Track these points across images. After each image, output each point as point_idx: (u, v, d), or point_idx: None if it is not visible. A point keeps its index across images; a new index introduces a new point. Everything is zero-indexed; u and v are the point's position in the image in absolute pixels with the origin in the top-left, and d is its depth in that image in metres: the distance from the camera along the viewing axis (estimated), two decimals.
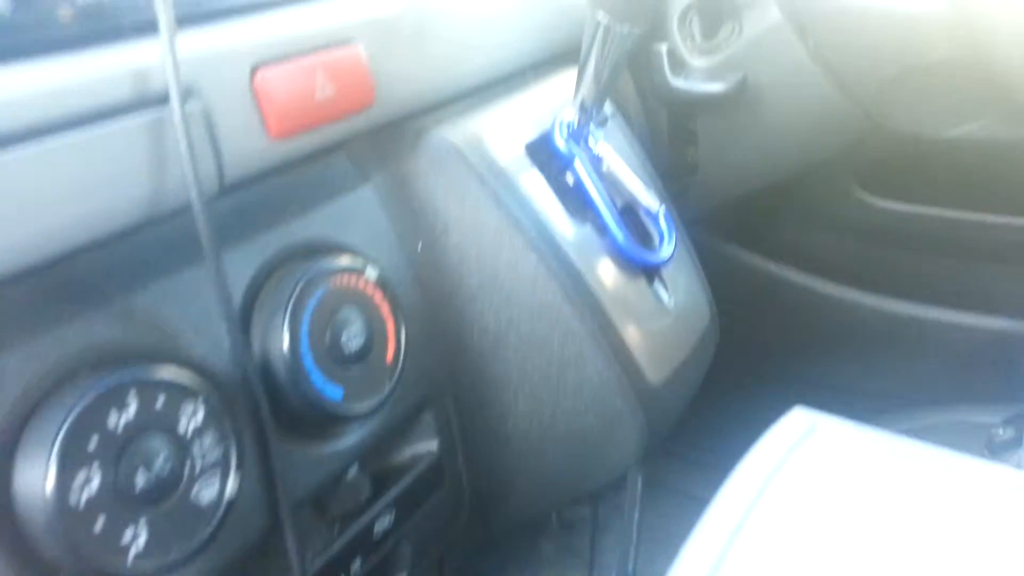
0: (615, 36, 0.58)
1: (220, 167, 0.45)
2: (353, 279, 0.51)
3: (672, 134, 1.02)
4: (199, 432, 0.42)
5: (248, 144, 0.47)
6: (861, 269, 1.18)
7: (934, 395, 1.03)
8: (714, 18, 0.90)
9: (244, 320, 0.48)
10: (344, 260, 0.52)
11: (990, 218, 1.06)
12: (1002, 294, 1.10)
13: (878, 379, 1.21)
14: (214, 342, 0.45)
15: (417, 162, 0.60)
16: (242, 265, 0.48)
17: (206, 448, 0.42)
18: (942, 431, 0.94)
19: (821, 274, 1.21)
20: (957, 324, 1.13)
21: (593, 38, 0.59)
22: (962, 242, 1.09)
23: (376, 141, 0.59)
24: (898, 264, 1.15)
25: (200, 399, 0.42)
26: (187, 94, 0.43)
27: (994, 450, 0.77)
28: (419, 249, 0.60)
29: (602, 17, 0.58)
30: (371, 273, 0.52)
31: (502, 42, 0.67)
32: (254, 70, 0.47)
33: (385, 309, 0.53)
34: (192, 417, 0.42)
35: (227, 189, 0.47)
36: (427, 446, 0.61)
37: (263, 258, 0.49)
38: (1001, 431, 0.77)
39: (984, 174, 1.02)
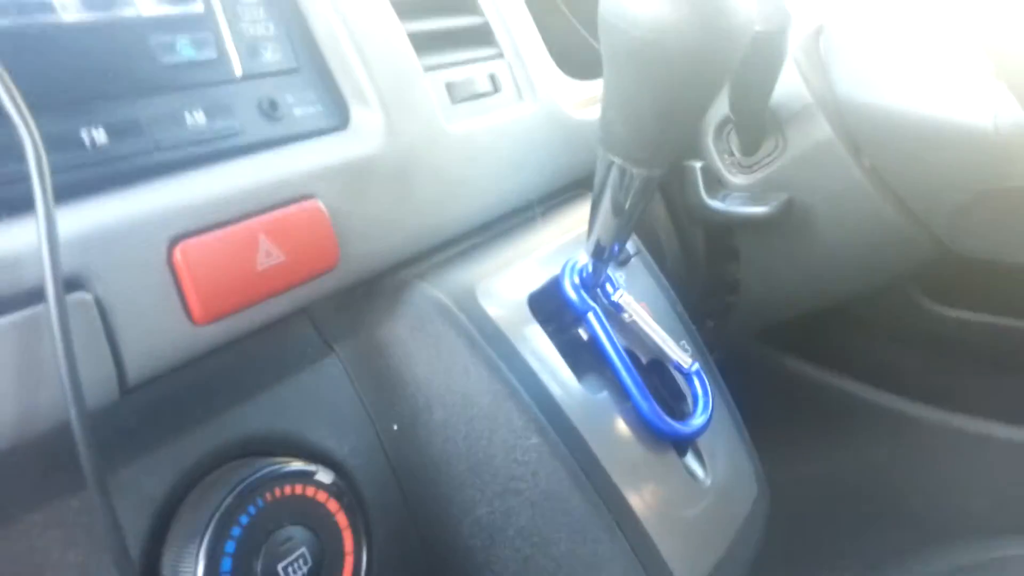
0: (634, 178, 0.49)
1: (120, 368, 0.36)
2: (299, 488, 0.41)
3: (709, 252, 0.92)
4: None
5: (162, 336, 0.38)
6: (930, 383, 1.10)
7: (1012, 524, 0.90)
8: (754, 133, 0.81)
9: (152, 556, 0.38)
10: (289, 464, 0.42)
11: None
12: None
13: (951, 503, 1.09)
14: None
15: (394, 325, 0.51)
16: (155, 479, 0.39)
17: None
18: (1010, 567, 0.83)
19: (886, 388, 1.11)
20: None
21: (607, 175, 0.50)
22: None
23: (344, 302, 0.49)
24: (970, 379, 1.06)
25: None
26: (72, 283, 0.34)
27: None
28: (395, 430, 0.50)
29: (615, 159, 0.48)
30: (323, 477, 0.42)
31: (500, 174, 0.58)
32: (172, 244, 0.38)
33: (342, 520, 0.43)
34: None
35: (133, 390, 0.37)
36: None
37: (183, 467, 0.40)
38: None
39: None
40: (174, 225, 0.38)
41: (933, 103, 0.69)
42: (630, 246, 0.66)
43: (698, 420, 0.58)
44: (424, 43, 0.56)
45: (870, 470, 1.15)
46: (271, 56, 0.47)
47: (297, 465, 0.42)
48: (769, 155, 0.82)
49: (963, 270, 0.92)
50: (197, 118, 0.42)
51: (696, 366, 0.60)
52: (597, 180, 0.50)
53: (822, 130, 0.77)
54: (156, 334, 0.37)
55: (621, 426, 0.56)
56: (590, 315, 0.57)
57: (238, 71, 0.45)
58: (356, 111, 0.50)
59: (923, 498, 1.12)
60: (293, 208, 0.43)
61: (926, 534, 1.00)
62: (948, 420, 1.08)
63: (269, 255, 0.41)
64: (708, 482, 0.59)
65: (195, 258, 0.38)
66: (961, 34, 0.69)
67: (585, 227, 0.53)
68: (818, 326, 1.07)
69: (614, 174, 0.48)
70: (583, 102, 0.69)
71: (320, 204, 0.44)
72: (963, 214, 0.72)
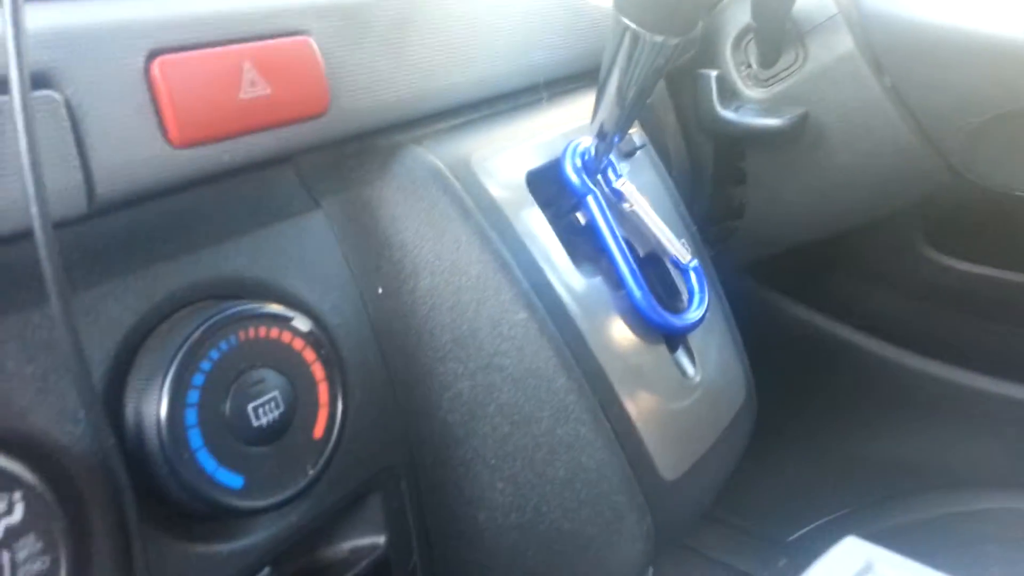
0: (645, 47, 0.46)
1: (89, 178, 0.34)
2: (274, 331, 0.40)
3: (717, 171, 0.90)
4: (14, 535, 0.31)
5: (135, 152, 0.36)
6: (924, 333, 1.08)
7: (995, 477, 0.91)
8: (774, 44, 0.77)
9: (116, 382, 0.36)
10: (265, 305, 0.40)
11: None
12: None
13: (937, 454, 1.09)
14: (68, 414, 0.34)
15: (386, 186, 0.49)
16: (122, 306, 0.37)
17: (25, 557, 0.31)
18: (1001, 519, 0.85)
19: (879, 335, 1.12)
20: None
21: (618, 48, 0.47)
22: None
23: (334, 157, 0.47)
24: (965, 331, 1.06)
25: (19, 493, 0.31)
26: (41, 80, 0.32)
27: None
28: (379, 293, 0.48)
29: (630, 24, 0.45)
30: (300, 324, 0.41)
31: (508, 49, 0.55)
32: (151, 56, 0.36)
33: (318, 371, 0.42)
34: (6, 517, 0.30)
35: (103, 209, 0.36)
36: (372, 539, 0.49)
37: (153, 299, 0.38)
38: None
39: None
40: (154, 36, 0.36)
41: (962, 15, 0.66)
42: (637, 138, 0.63)
43: (692, 315, 0.56)
44: None
45: (857, 417, 1.15)
46: None
47: (275, 308, 0.40)
48: (788, 68, 0.79)
49: (971, 219, 0.90)
50: None
51: (695, 262, 0.58)
52: (607, 52, 0.48)
53: (844, 44, 0.74)
54: (129, 148, 0.35)
55: (613, 313, 0.54)
56: (589, 198, 0.55)
57: None
58: None
59: (915, 449, 1.12)
60: (284, 41, 0.41)
61: (919, 482, 1.00)
62: (944, 373, 1.07)
63: (254, 84, 0.39)
64: (697, 379, 0.58)
65: (174, 75, 0.36)
66: None
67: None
68: (817, 270, 1.05)
69: (626, 43, 0.45)
70: None
71: (312, 42, 0.42)
72: (978, 138, 0.70)
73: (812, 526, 1.03)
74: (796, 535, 1.03)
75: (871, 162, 0.79)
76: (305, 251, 0.45)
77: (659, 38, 0.44)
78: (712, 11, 0.82)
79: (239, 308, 0.39)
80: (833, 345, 1.13)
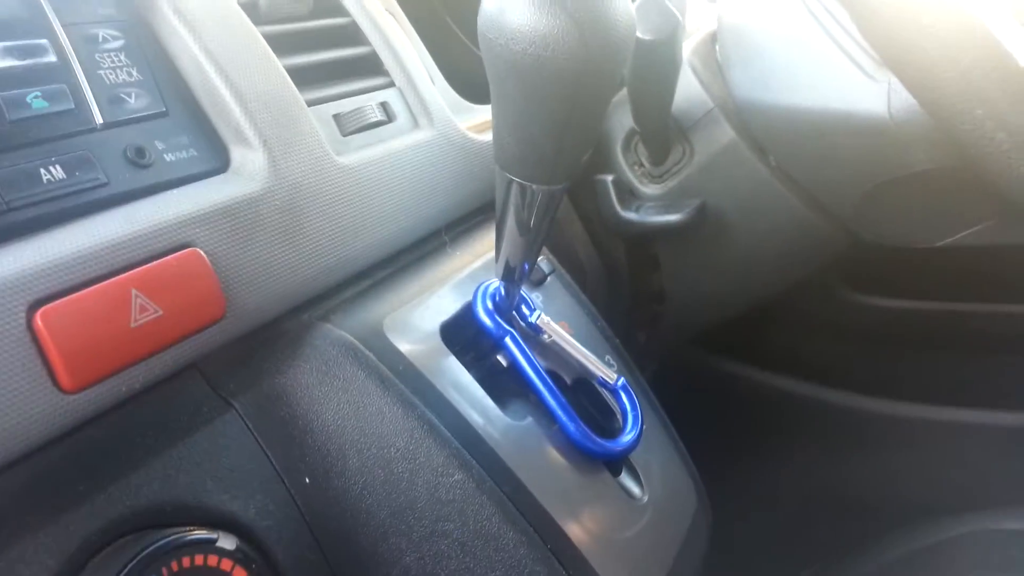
0: (534, 194, 0.47)
1: None
2: (199, 559, 0.38)
3: (631, 264, 0.92)
4: None
5: (26, 408, 0.35)
6: (860, 373, 1.12)
7: (961, 502, 0.92)
8: (660, 142, 0.81)
9: None
10: (186, 533, 0.38)
11: (994, 308, 0.97)
12: (1018, 386, 1.01)
13: (899, 487, 1.10)
14: None
15: (298, 372, 0.48)
16: (34, 568, 0.35)
17: None
18: (976, 544, 0.84)
19: (819, 381, 1.12)
20: (974, 423, 1.05)
21: (507, 195, 0.48)
22: (967, 335, 1.01)
23: (239, 351, 0.47)
24: (899, 364, 1.09)
25: None
26: None
27: None
28: (307, 483, 0.47)
29: (513, 178, 0.46)
30: (226, 544, 0.39)
31: (400, 206, 0.56)
32: (32, 309, 0.35)
33: None
34: None
35: (1, 470, 0.34)
36: None
37: (67, 551, 0.36)
38: None
39: (984, 268, 0.93)
40: (33, 289, 0.35)
41: (828, 97, 0.70)
42: (545, 265, 0.64)
43: (628, 436, 0.56)
44: (306, 77, 0.55)
45: (814, 465, 1.16)
46: (135, 102, 0.44)
47: (197, 534, 0.38)
48: (678, 163, 0.82)
49: (879, 259, 0.93)
50: (55, 173, 0.39)
51: (622, 380, 0.59)
52: (498, 200, 0.48)
53: (726, 134, 0.78)
54: (19, 406, 0.34)
55: (549, 451, 0.54)
56: (507, 339, 0.55)
57: (99, 120, 0.42)
58: (236, 152, 0.47)
59: (869, 488, 1.13)
60: (169, 259, 0.40)
61: (878, 523, 1.01)
62: (885, 408, 1.10)
63: (144, 310, 0.38)
64: (645, 499, 0.58)
65: (59, 322, 0.35)
66: (847, 27, 0.70)
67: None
68: (749, 327, 1.07)
69: (515, 192, 0.46)
70: (483, 125, 0.67)
71: (200, 252, 0.42)
72: (869, 203, 0.73)
73: None
74: None
75: (772, 239, 0.81)
76: (222, 459, 0.43)
77: (545, 187, 0.45)
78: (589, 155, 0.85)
79: (159, 544, 0.37)
80: (778, 397, 1.15)
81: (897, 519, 0.96)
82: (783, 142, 0.75)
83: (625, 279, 0.94)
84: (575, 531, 0.51)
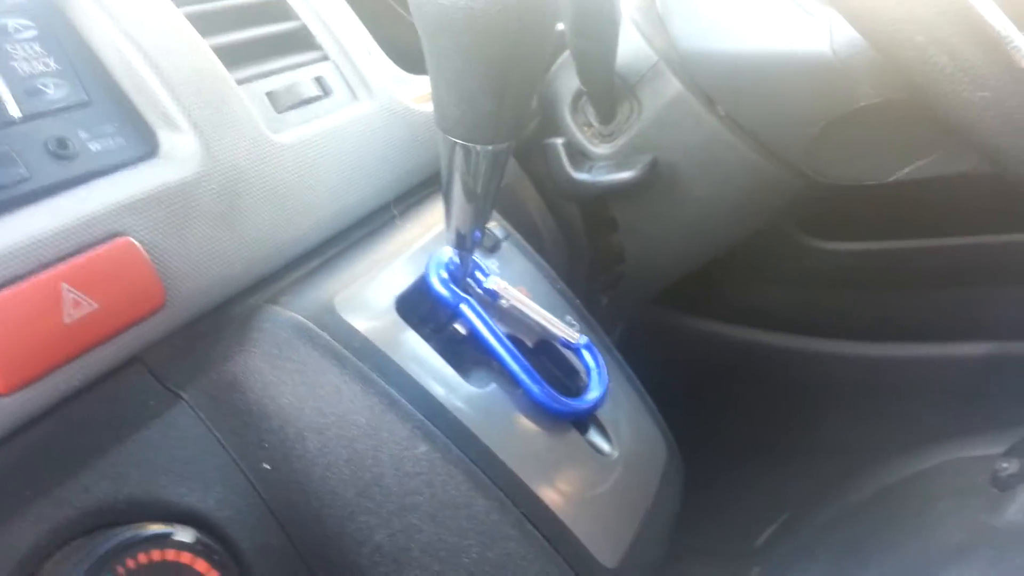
0: (479, 155, 0.46)
1: None
2: (156, 554, 0.37)
3: (588, 226, 0.91)
4: None
5: None
6: (822, 318, 1.13)
7: (928, 434, 0.94)
8: (607, 101, 0.80)
9: None
10: (141, 529, 0.37)
11: (948, 241, 0.99)
12: (976, 317, 1.04)
13: (868, 427, 1.12)
14: None
15: (249, 357, 0.47)
16: None
17: None
18: (944, 473, 0.86)
19: (783, 330, 1.13)
20: (936, 357, 1.07)
21: (451, 159, 0.47)
22: (923, 271, 1.02)
23: (185, 340, 0.45)
24: (860, 306, 1.11)
25: None
26: None
27: (1000, 486, 0.69)
28: (268, 469, 0.46)
29: (456, 140, 0.45)
30: (184, 536, 0.38)
31: (344, 181, 0.55)
32: None
33: None
34: None
35: None
36: None
37: (17, 556, 0.35)
38: (1005, 464, 0.70)
39: (937, 202, 0.94)
40: None
41: (770, 39, 0.70)
42: (499, 231, 0.63)
43: (593, 394, 0.56)
44: (235, 56, 0.53)
45: (784, 413, 1.17)
46: (55, 92, 0.43)
47: (152, 529, 0.37)
48: (627, 120, 0.81)
49: (834, 203, 0.94)
50: None
51: (584, 339, 0.58)
52: (443, 166, 0.47)
53: (672, 87, 0.77)
54: None
55: (515, 415, 0.53)
56: (463, 307, 0.54)
57: (15, 113, 0.41)
58: (165, 137, 0.46)
59: (841, 430, 1.14)
60: (100, 249, 0.39)
61: (851, 464, 1.02)
62: (851, 349, 1.11)
63: (78, 305, 0.37)
64: (615, 454, 0.58)
65: None
66: None
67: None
68: (712, 282, 1.08)
69: (459, 155, 0.45)
70: (426, 96, 0.66)
71: (133, 241, 0.40)
72: (819, 144, 0.73)
73: (773, 527, 1.03)
74: (761, 540, 1.03)
75: (727, 189, 0.81)
76: (175, 452, 0.42)
77: (489, 147, 0.44)
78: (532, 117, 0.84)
79: (113, 543, 0.36)
80: (743, 348, 1.16)
81: (869, 458, 0.98)
82: (730, 90, 0.75)
83: (583, 242, 0.93)
84: (546, 492, 0.51)
